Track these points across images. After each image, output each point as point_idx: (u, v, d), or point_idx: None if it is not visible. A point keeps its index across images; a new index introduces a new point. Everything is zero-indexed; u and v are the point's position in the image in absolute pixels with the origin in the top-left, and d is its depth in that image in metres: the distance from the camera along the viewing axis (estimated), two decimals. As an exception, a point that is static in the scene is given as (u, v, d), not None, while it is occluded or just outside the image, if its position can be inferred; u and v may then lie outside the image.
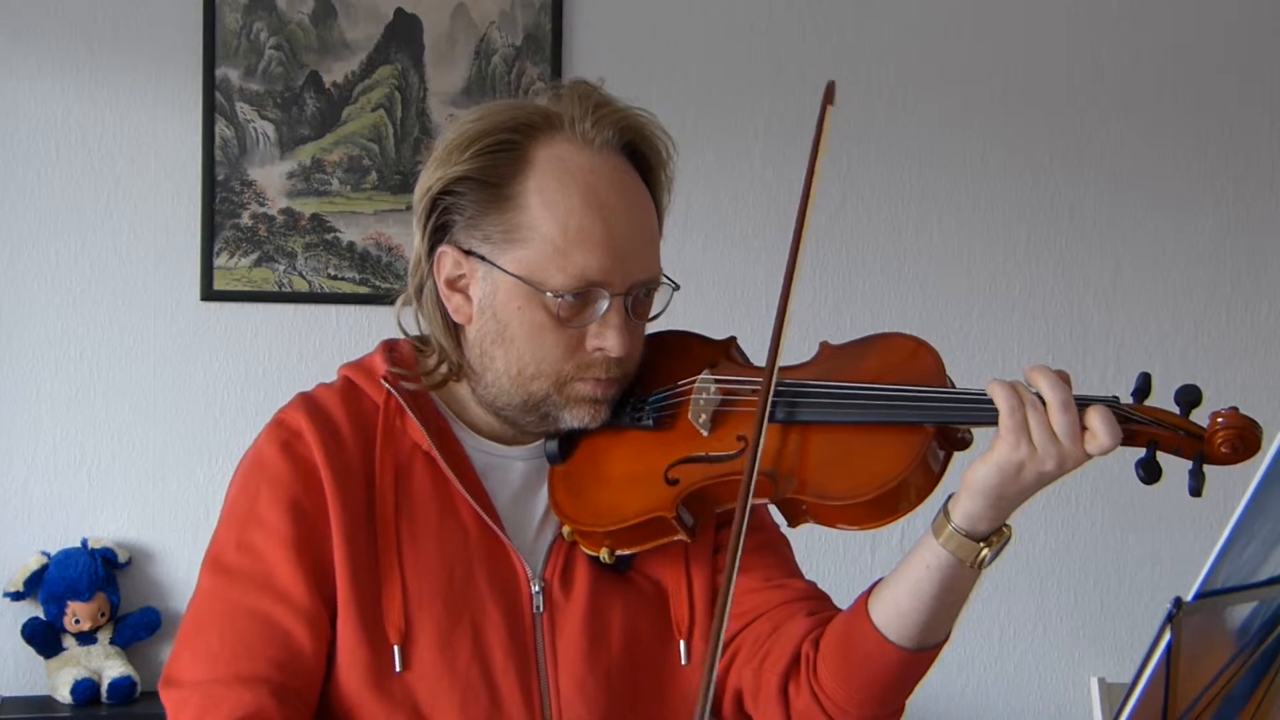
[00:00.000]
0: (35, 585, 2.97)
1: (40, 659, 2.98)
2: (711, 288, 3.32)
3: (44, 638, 2.96)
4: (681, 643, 1.51)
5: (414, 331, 1.54)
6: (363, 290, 3.18)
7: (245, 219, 3.15)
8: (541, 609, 1.48)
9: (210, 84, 3.14)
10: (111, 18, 3.11)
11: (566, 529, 1.48)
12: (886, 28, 3.45)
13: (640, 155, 1.52)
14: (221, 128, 3.14)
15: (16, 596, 2.97)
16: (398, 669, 1.42)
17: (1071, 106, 3.51)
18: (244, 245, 3.14)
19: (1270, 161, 3.61)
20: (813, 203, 1.51)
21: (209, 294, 3.13)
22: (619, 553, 1.47)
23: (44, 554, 3.00)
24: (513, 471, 1.52)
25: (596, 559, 1.48)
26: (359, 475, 1.46)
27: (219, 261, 3.13)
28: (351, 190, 3.19)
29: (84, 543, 3.01)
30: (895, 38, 3.44)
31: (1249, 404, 4.02)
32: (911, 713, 3.87)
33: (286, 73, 3.17)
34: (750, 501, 1.35)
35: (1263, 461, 1.14)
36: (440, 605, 1.44)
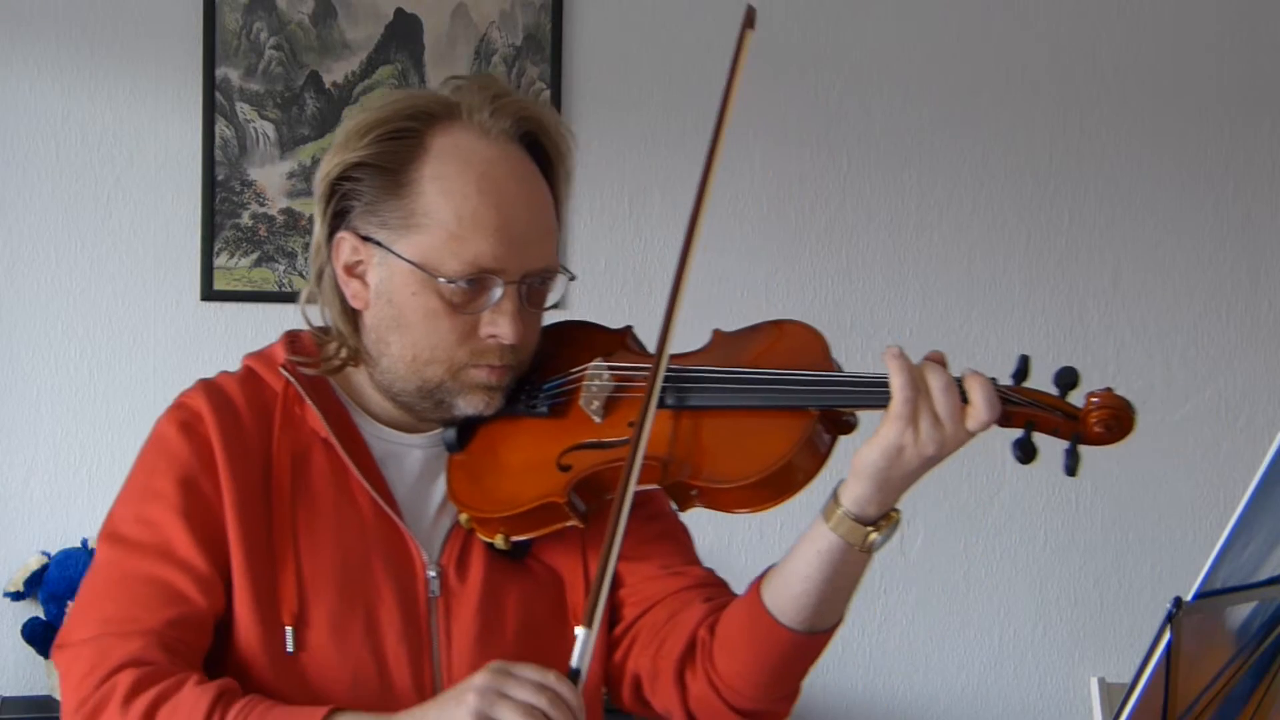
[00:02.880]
0: (35, 585, 2.97)
1: (40, 659, 2.98)
2: (712, 288, 3.32)
3: (44, 638, 2.96)
4: (577, 629, 1.51)
5: (318, 323, 1.57)
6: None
7: (245, 219, 3.15)
8: (437, 594, 1.50)
9: (210, 84, 3.14)
10: (111, 18, 3.11)
11: (463, 516, 1.51)
12: (886, 28, 3.44)
13: (539, 147, 1.53)
14: (221, 128, 3.14)
15: (16, 596, 2.97)
16: (290, 649, 1.45)
17: (1072, 107, 3.51)
18: (244, 245, 3.14)
19: (1270, 161, 3.61)
20: (722, 146, 1.53)
21: (209, 294, 3.13)
22: (514, 539, 1.50)
23: (44, 554, 3.00)
24: (411, 459, 1.55)
25: (493, 545, 1.51)
26: (256, 460, 1.49)
27: (219, 261, 3.14)
28: (351, 190, 3.19)
29: (84, 543, 3.01)
30: (895, 38, 3.44)
31: (1249, 403, 4.02)
32: (911, 713, 3.89)
33: (286, 73, 3.18)
34: (635, 483, 1.38)
35: (1263, 462, 1.14)
36: (334, 589, 1.47)
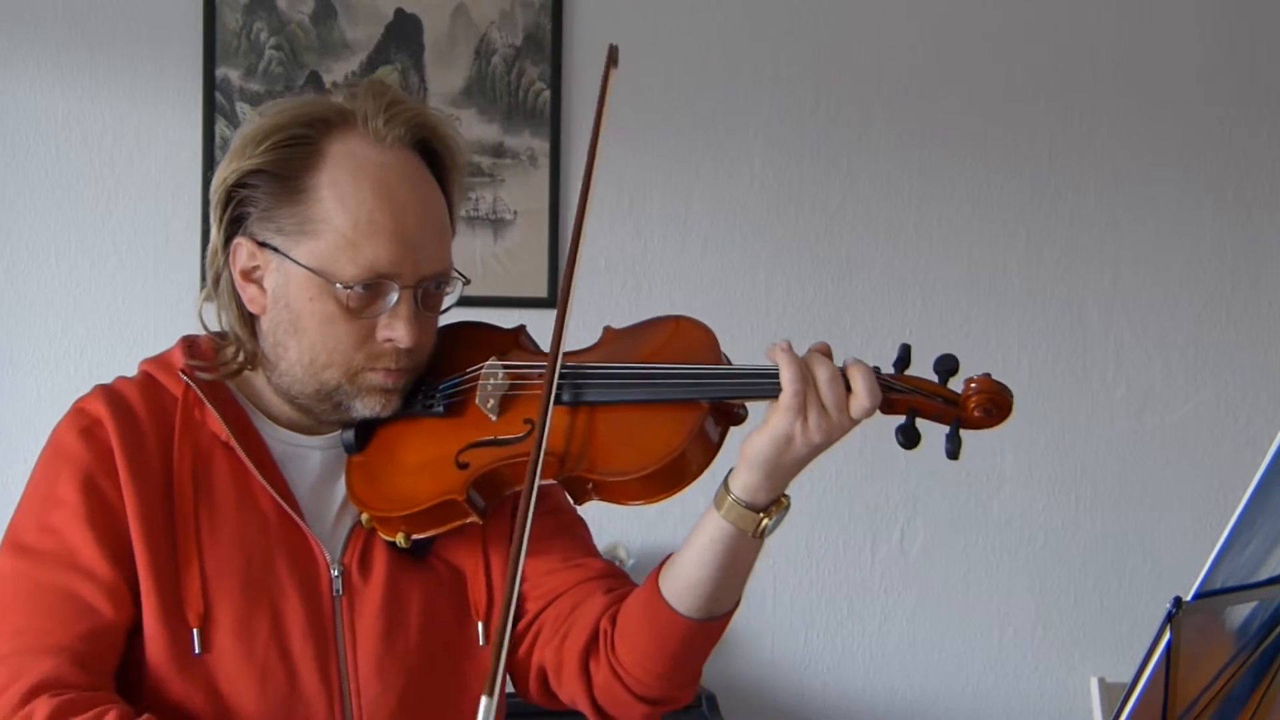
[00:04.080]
0: (35, 585, 2.97)
1: (40, 659, 2.98)
2: (712, 288, 3.33)
3: (44, 638, 2.96)
4: (480, 624, 1.57)
5: (215, 328, 1.58)
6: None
7: (245, 219, 3.15)
8: (340, 592, 1.53)
9: (210, 84, 3.14)
10: (111, 18, 3.11)
11: (364, 516, 1.53)
12: (886, 29, 3.45)
13: (433, 153, 1.56)
14: (221, 128, 3.14)
15: (16, 596, 2.97)
16: (197, 651, 1.46)
17: (1071, 107, 3.51)
18: (244, 245, 3.14)
19: (1270, 162, 3.61)
20: (596, 171, 1.56)
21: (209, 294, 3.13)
22: (415, 537, 1.52)
23: (44, 554, 3.00)
24: (311, 460, 1.57)
25: (394, 544, 1.53)
26: (156, 464, 1.50)
27: (219, 261, 3.13)
28: (351, 190, 3.19)
29: (84, 543, 3.01)
30: (895, 39, 3.44)
31: (1249, 403, 4.02)
32: (911, 713, 3.88)
33: (286, 73, 3.18)
34: (538, 479, 1.40)
35: (1263, 462, 1.14)
36: (238, 590, 1.49)
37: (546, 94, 3.24)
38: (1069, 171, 3.52)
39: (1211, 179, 3.58)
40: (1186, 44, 3.57)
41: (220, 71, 3.14)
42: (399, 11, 3.22)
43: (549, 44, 3.27)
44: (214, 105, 3.14)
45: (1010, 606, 3.51)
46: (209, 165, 3.13)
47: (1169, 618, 1.05)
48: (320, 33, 3.19)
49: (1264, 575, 1.18)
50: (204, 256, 3.22)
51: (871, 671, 3.44)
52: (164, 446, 1.51)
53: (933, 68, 3.46)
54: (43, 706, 1.37)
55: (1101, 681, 2.67)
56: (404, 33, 3.22)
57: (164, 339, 3.31)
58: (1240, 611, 1.20)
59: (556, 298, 3.20)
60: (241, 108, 3.15)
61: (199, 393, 1.53)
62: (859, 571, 3.40)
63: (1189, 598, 1.07)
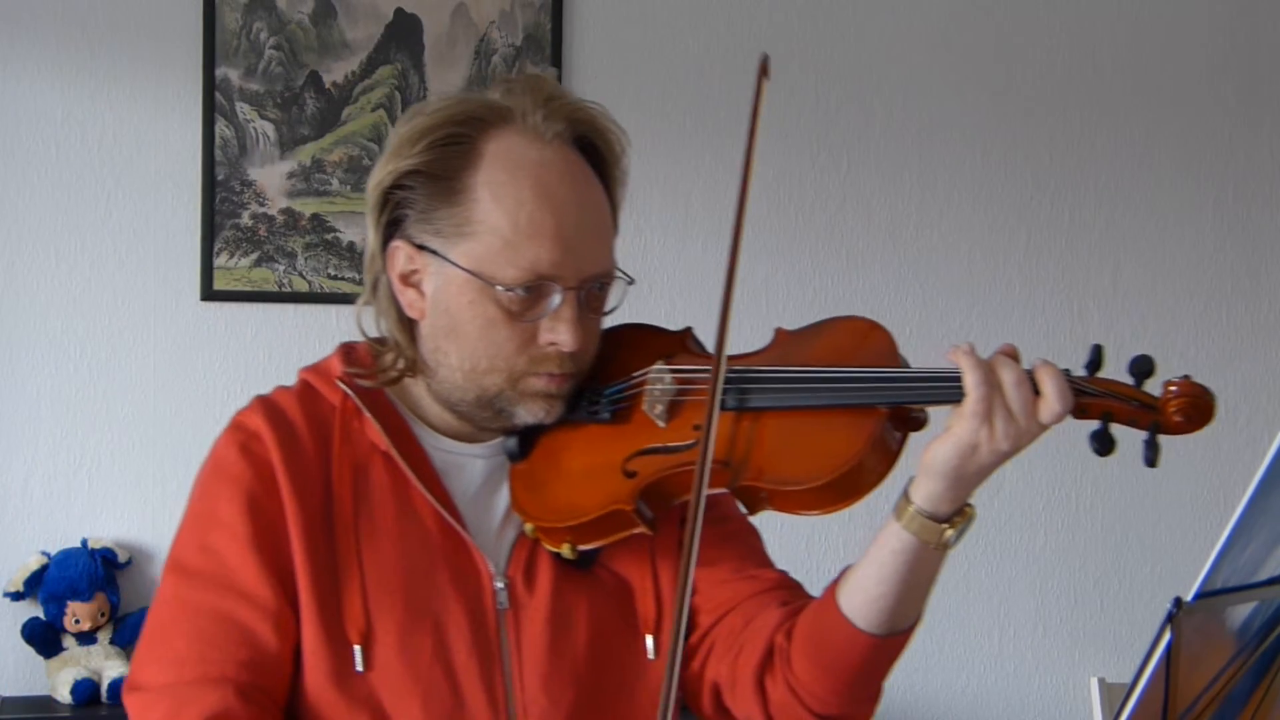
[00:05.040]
0: (35, 585, 2.97)
1: (40, 659, 2.98)
2: (712, 287, 3.32)
3: (44, 638, 2.96)
4: (648, 638, 1.51)
5: (373, 333, 1.54)
6: (362, 290, 3.17)
7: (245, 219, 3.15)
8: (505, 606, 1.47)
9: (210, 84, 3.14)
10: (111, 18, 3.11)
11: (528, 526, 1.48)
12: (886, 28, 3.44)
13: (593, 149, 1.50)
14: (221, 128, 3.14)
15: (16, 596, 2.97)
16: (359, 668, 1.42)
17: (1071, 107, 3.51)
18: (244, 245, 3.14)
19: (1270, 161, 3.61)
20: (752, 180, 1.51)
21: (209, 294, 3.13)
22: (581, 548, 1.46)
23: (44, 554, 3.00)
24: (473, 469, 1.52)
25: (559, 555, 1.47)
26: (316, 476, 1.46)
27: (219, 261, 3.13)
28: (351, 190, 3.19)
29: (84, 543, 3.01)
30: (895, 38, 3.44)
31: (1249, 404, 4.02)
32: (911, 713, 3.88)
33: (286, 73, 3.17)
34: (705, 490, 1.34)
35: (1263, 462, 1.14)
36: (401, 604, 1.44)
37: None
38: (1069, 171, 3.51)
39: (1211, 179, 3.58)
40: (1187, 44, 3.57)
41: (220, 71, 3.14)
42: (399, 11, 3.22)
43: (549, 44, 3.27)
44: (214, 105, 3.13)
45: (1010, 606, 3.51)
46: (209, 165, 3.13)
47: (1169, 618, 1.05)
48: (320, 32, 3.19)
49: (1264, 575, 1.17)
50: (203, 256, 3.22)
51: (871, 671, 3.44)
52: (323, 458, 1.46)
53: (933, 67, 3.45)
54: None
55: (1101, 681, 2.67)
56: (404, 32, 3.22)
57: (163, 339, 3.32)
58: (1240, 612, 1.20)
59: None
60: (241, 107, 3.15)
61: (357, 401, 1.48)
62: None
63: (1189, 598, 1.07)
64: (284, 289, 3.16)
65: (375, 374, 1.50)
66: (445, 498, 1.48)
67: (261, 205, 3.15)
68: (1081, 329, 3.52)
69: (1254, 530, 1.14)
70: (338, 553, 1.44)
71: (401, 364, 1.50)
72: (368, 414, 1.48)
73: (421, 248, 1.46)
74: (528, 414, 1.47)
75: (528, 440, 1.50)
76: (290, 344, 3.15)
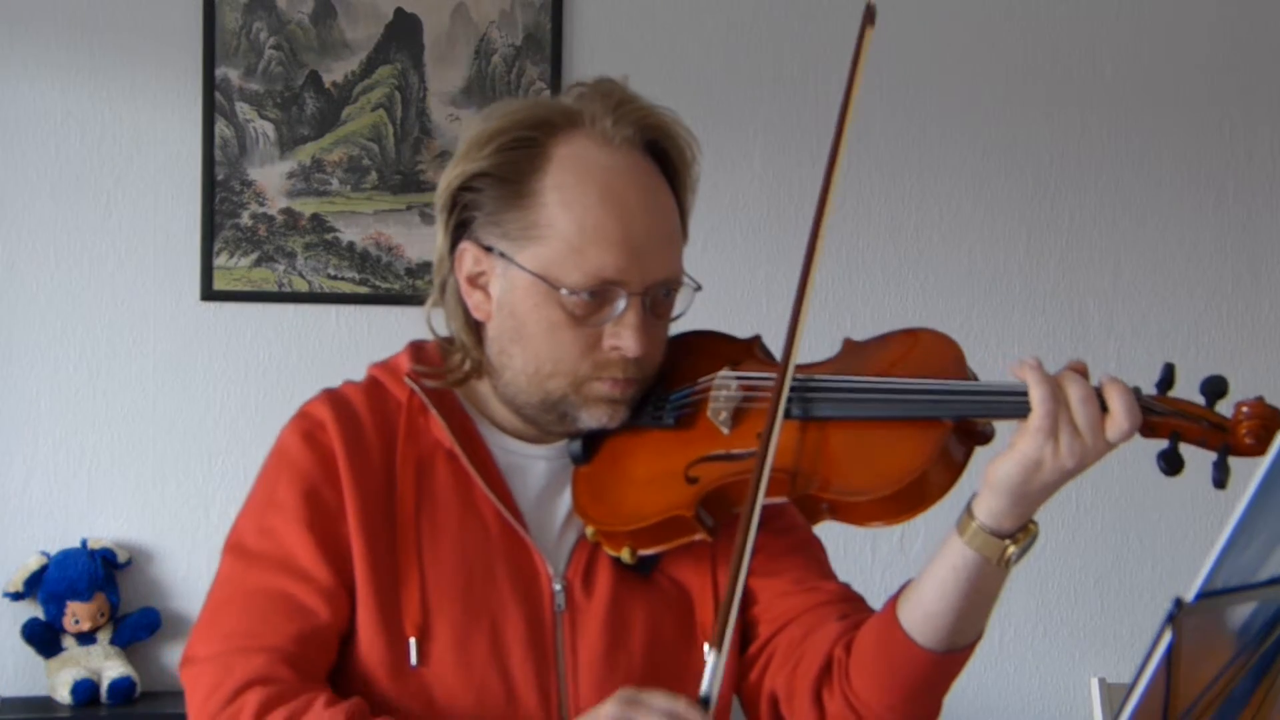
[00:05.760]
0: (35, 585, 2.97)
1: (40, 659, 2.98)
2: (712, 289, 3.31)
3: (44, 638, 2.96)
4: (705, 646, 1.48)
5: (443, 332, 1.54)
6: (362, 290, 3.18)
7: (245, 219, 3.15)
8: (563, 608, 1.47)
9: (210, 84, 3.14)
10: (111, 18, 3.11)
11: (589, 529, 1.47)
12: (887, 28, 3.42)
13: (663, 154, 1.51)
14: (221, 128, 3.14)
15: (16, 597, 2.97)
16: (414, 663, 1.43)
17: (1071, 107, 3.51)
18: (244, 245, 3.14)
19: (1270, 161, 3.61)
20: (844, 150, 1.51)
21: (209, 294, 3.13)
22: (641, 553, 1.46)
23: (44, 554, 3.00)
24: (536, 471, 1.52)
25: (619, 560, 1.47)
26: (380, 470, 1.47)
27: (219, 261, 3.13)
28: (351, 190, 3.19)
29: (84, 543, 3.01)
30: (895, 38, 3.44)
31: (1249, 404, 3.86)
32: (911, 713, 3.79)
33: (286, 73, 3.17)
34: (762, 496, 1.33)
35: (1263, 462, 1.14)
36: (459, 602, 1.44)
37: (546, 94, 3.23)
38: (1069, 171, 3.51)
39: (1211, 179, 3.58)
40: (1187, 44, 3.57)
41: (220, 71, 3.14)
42: (399, 11, 3.22)
43: (549, 44, 3.26)
44: (214, 105, 3.13)
45: (1010, 606, 3.51)
46: (209, 165, 3.13)
47: (1170, 618, 1.04)
48: (320, 32, 3.19)
49: (1265, 575, 1.17)
50: (203, 256, 3.23)
51: (871, 671, 3.44)
52: (387, 452, 1.47)
53: (933, 67, 3.45)
54: (253, 698, 1.35)
55: (1101, 681, 2.67)
56: (404, 32, 3.22)
57: (163, 338, 3.32)
58: (1241, 612, 1.19)
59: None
60: (241, 107, 3.15)
61: (424, 399, 1.49)
62: (860, 570, 3.38)
63: (1190, 598, 1.07)
64: (284, 289, 3.16)
65: (443, 374, 1.51)
66: (508, 498, 1.49)
67: (261, 205, 3.15)
68: (1081, 329, 3.52)
69: (1254, 530, 1.14)
70: (397, 547, 1.45)
71: (469, 365, 1.51)
72: (434, 411, 1.49)
73: (489, 250, 1.46)
74: (591, 418, 1.48)
75: (592, 443, 1.50)
76: (290, 344, 3.15)
